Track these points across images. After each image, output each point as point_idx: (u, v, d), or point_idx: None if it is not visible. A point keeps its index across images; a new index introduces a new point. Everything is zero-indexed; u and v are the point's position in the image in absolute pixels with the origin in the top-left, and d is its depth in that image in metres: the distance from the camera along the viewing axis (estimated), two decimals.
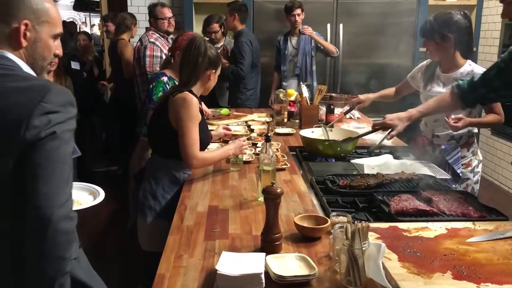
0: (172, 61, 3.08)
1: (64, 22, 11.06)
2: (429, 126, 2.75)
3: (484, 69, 2.61)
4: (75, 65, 5.32)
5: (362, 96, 3.18)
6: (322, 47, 4.49)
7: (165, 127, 2.28)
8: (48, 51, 1.36)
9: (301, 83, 3.62)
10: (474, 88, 2.11)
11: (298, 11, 4.41)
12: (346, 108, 3.78)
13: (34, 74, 1.34)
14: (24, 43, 1.29)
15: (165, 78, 3.00)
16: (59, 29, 1.37)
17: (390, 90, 3.15)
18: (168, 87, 2.93)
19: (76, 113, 1.28)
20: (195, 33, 3.26)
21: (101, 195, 1.89)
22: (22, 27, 1.27)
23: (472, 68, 2.61)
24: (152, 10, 4.18)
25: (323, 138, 2.73)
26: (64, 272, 1.22)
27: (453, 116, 2.51)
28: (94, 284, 1.49)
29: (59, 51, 1.40)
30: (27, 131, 1.16)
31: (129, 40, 4.89)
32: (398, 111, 2.40)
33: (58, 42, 1.39)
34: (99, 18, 10.23)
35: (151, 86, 3.03)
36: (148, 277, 1.65)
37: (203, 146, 2.36)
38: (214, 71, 2.36)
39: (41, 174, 1.17)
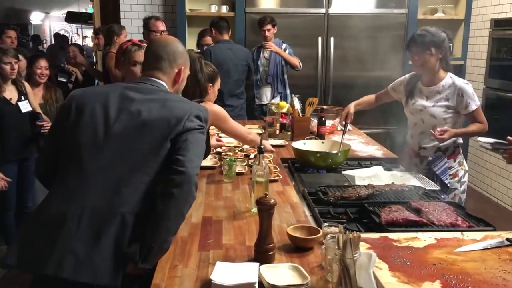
0: None
1: (56, 35, 11.08)
2: (416, 139, 2.81)
3: (465, 81, 2.69)
4: (61, 78, 5.30)
5: (351, 111, 3.10)
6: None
7: None
8: (183, 85, 1.96)
9: (293, 95, 3.66)
10: None
11: (269, 26, 4.61)
12: (338, 120, 3.84)
13: None
14: (179, 81, 1.89)
15: None
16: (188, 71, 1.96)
17: (370, 98, 3.16)
18: None
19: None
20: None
21: None
22: (181, 71, 1.87)
23: (453, 81, 2.67)
24: (147, 23, 4.24)
25: (315, 150, 2.77)
26: (176, 231, 1.63)
27: (438, 129, 2.56)
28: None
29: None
30: (187, 122, 1.66)
31: None
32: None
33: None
34: (91, 30, 10.25)
35: None
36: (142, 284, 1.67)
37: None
38: (211, 85, 2.53)
39: (192, 148, 1.62)
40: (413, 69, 2.83)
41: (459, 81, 2.67)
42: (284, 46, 4.73)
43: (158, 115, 1.66)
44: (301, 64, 4.73)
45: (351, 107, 3.11)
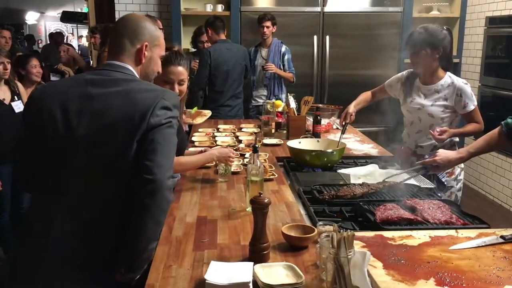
0: None
1: (51, 35, 11.03)
2: (412, 137, 2.81)
3: (464, 81, 2.68)
4: (54, 77, 5.29)
5: (350, 110, 3.05)
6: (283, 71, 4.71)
7: None
8: (157, 68, 1.77)
9: (288, 94, 3.66)
10: None
11: (268, 23, 4.58)
12: (333, 119, 3.84)
13: None
14: (143, 59, 1.69)
15: None
16: (163, 52, 1.79)
17: (367, 95, 3.15)
18: None
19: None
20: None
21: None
22: (144, 47, 1.67)
23: (452, 80, 2.67)
24: None
25: (310, 148, 2.76)
26: (157, 237, 1.57)
27: (438, 129, 2.56)
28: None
29: (160, 70, 1.81)
30: (152, 118, 1.51)
31: None
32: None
33: (159, 61, 1.78)
34: (86, 30, 10.22)
35: None
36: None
37: (178, 151, 2.41)
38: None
39: (160, 149, 1.51)
40: (411, 67, 2.82)
41: (458, 81, 2.67)
42: (283, 49, 4.69)
43: (120, 112, 1.53)
44: (294, 78, 4.73)
45: (351, 107, 3.07)
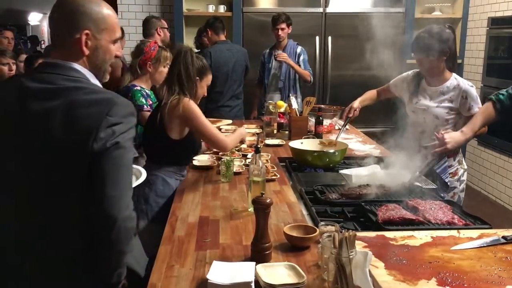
0: (140, 71, 3.06)
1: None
2: (416, 138, 2.80)
3: (470, 83, 2.67)
4: None
5: (355, 105, 3.08)
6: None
7: (161, 134, 2.37)
8: (109, 55, 1.47)
9: (290, 95, 3.67)
10: None
11: (283, 25, 4.36)
12: (335, 119, 3.84)
13: (98, 83, 1.45)
14: (86, 51, 1.39)
15: (138, 88, 3.01)
16: (118, 34, 1.48)
17: (372, 93, 3.15)
18: (144, 94, 2.97)
19: (135, 122, 1.41)
20: (155, 42, 3.26)
21: (143, 175, 2.02)
22: (83, 37, 1.38)
23: (458, 82, 2.66)
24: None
25: (312, 149, 2.77)
26: (123, 263, 1.41)
27: (446, 135, 2.56)
28: (140, 267, 1.70)
29: (119, 52, 1.54)
30: (95, 143, 1.27)
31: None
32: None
33: (118, 45, 1.51)
34: None
35: (128, 97, 2.91)
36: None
37: (194, 150, 2.55)
38: (198, 78, 2.46)
39: (109, 179, 1.30)
40: (414, 68, 2.81)
41: (464, 84, 2.65)
42: (299, 50, 4.47)
43: (60, 136, 1.28)
44: (312, 78, 4.47)
45: (356, 102, 3.08)
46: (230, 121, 4.01)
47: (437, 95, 2.69)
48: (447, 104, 2.67)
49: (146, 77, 3.06)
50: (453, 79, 2.68)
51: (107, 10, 1.42)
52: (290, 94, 4.00)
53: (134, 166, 2.03)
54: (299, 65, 4.42)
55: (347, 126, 3.86)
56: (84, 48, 1.39)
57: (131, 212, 1.35)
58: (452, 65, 2.69)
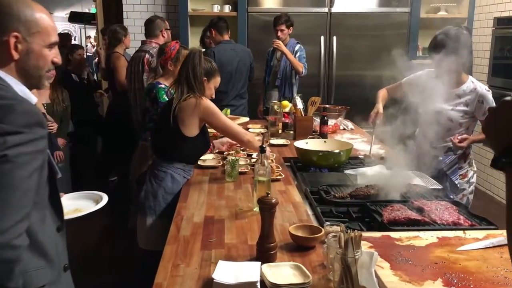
0: (162, 71, 3.17)
1: (59, 35, 11.06)
2: (427, 138, 2.76)
3: (487, 88, 2.62)
4: (75, 77, 5.28)
5: (381, 110, 3.02)
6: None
7: (173, 131, 2.40)
8: (43, 61, 1.34)
9: (295, 95, 3.66)
10: None
11: (282, 27, 4.45)
12: (340, 119, 3.84)
13: (25, 89, 1.32)
14: (15, 55, 1.28)
15: (162, 85, 3.06)
16: (54, 38, 1.35)
17: (384, 92, 3.12)
18: (167, 92, 3.00)
19: (46, 134, 1.21)
20: (177, 42, 3.32)
21: (104, 199, 1.94)
22: (12, 40, 1.26)
23: (474, 86, 2.62)
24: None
25: (317, 149, 2.77)
26: None
27: (459, 137, 2.55)
28: None
29: (57, 59, 1.39)
30: None
31: (124, 51, 4.93)
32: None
33: (55, 51, 1.38)
34: (94, 30, 10.27)
35: (153, 93, 3.05)
36: (143, 272, 1.67)
37: (204, 149, 2.59)
38: (205, 78, 2.49)
39: None
40: (419, 68, 2.78)
41: (482, 88, 2.61)
42: (297, 47, 4.55)
43: None
44: (304, 71, 4.52)
45: (380, 106, 3.01)
46: (247, 119, 4.03)
47: (453, 98, 2.64)
48: (462, 107, 2.63)
49: (168, 76, 3.10)
50: (470, 82, 2.63)
51: (39, 12, 1.31)
52: (295, 95, 3.99)
53: (96, 192, 2.01)
54: None
55: (352, 126, 3.86)
56: (13, 52, 1.27)
57: (11, 240, 1.10)
58: (468, 66, 2.64)
